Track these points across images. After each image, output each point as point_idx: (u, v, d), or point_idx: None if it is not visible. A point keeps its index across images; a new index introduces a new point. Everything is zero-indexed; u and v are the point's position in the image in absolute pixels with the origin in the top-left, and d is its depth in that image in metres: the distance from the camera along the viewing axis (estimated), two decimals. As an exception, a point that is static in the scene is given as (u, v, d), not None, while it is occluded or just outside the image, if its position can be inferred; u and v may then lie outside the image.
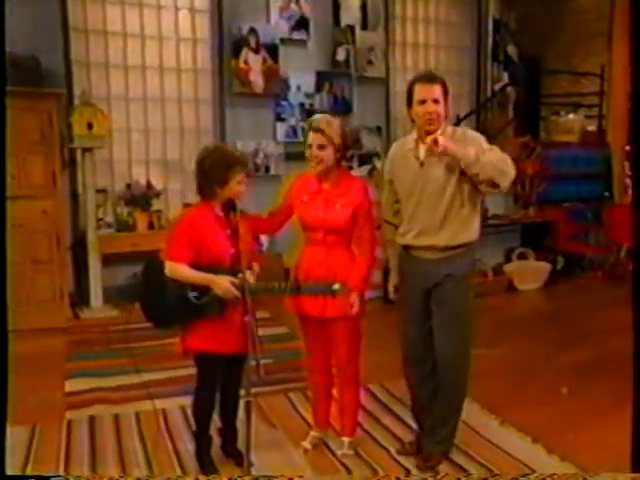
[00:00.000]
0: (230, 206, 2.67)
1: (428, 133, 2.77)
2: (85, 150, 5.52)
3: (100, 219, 5.81)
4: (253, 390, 2.83)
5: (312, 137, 2.83)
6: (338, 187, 2.89)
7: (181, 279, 2.64)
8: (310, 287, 2.73)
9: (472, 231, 2.86)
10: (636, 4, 2.29)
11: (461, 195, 2.77)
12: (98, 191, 5.77)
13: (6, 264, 2.12)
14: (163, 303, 2.69)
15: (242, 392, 2.88)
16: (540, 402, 3.72)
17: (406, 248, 2.93)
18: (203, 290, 2.64)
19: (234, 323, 2.64)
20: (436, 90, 2.72)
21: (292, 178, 3.07)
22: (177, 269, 2.64)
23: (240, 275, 2.57)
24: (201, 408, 2.87)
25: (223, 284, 2.59)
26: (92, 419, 3.50)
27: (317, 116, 2.96)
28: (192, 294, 2.65)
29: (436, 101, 2.72)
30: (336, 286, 2.56)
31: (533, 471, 2.90)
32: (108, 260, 5.73)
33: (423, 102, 2.73)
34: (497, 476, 2.88)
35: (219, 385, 2.85)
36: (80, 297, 5.73)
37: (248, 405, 2.34)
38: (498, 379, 4.02)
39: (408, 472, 2.95)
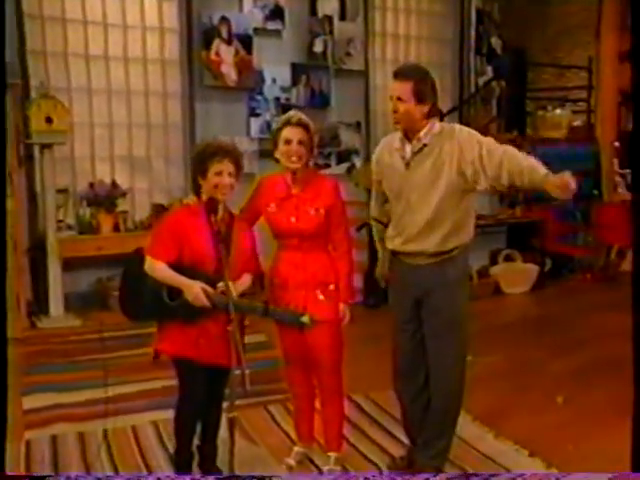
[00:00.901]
0: (211, 207, 2.62)
1: (405, 133, 2.72)
2: (44, 146, 5.41)
3: (61, 221, 5.69)
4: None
5: (292, 132, 2.78)
6: (308, 190, 2.85)
7: (157, 277, 2.63)
8: (279, 312, 2.72)
9: (465, 234, 2.80)
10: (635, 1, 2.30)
11: (452, 197, 2.71)
12: (58, 191, 5.65)
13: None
14: (139, 297, 2.69)
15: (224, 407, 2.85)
16: (535, 412, 3.71)
17: (395, 252, 2.88)
18: (177, 292, 2.61)
19: (214, 332, 2.61)
20: (401, 87, 2.65)
21: (257, 180, 3.01)
22: (155, 266, 2.63)
23: (220, 284, 2.55)
24: (183, 422, 2.80)
25: (193, 290, 2.56)
26: (54, 439, 3.39)
27: (294, 112, 2.90)
28: (166, 294, 2.63)
29: (400, 99, 2.65)
30: (305, 318, 2.54)
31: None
32: (69, 265, 5.62)
33: (391, 99, 2.70)
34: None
35: (202, 398, 2.78)
36: (38, 305, 5.60)
37: (232, 422, 2.27)
38: (489, 388, 4.00)
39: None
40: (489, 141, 2.67)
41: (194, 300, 2.56)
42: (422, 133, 2.70)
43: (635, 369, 2.23)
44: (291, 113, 2.88)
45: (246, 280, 2.78)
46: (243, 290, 2.73)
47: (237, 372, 2.27)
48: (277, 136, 2.82)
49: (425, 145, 2.71)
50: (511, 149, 2.63)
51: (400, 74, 2.69)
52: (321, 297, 2.84)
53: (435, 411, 2.89)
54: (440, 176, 2.68)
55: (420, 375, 2.91)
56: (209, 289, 2.56)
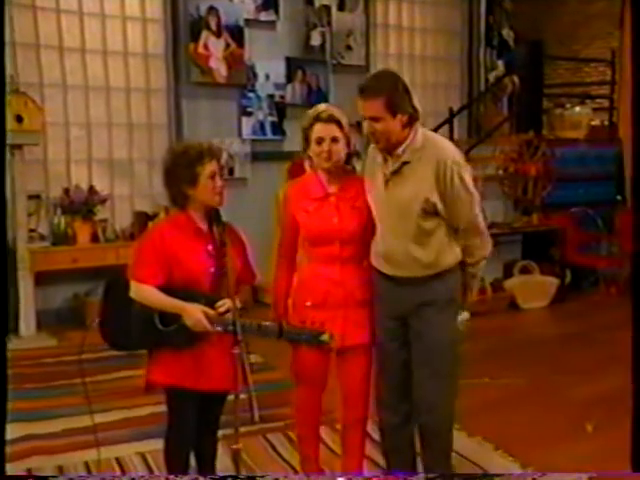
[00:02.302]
0: (214, 217, 2.59)
1: (388, 151, 2.66)
2: (14, 147, 5.38)
3: (32, 230, 5.69)
4: (224, 432, 2.80)
5: (324, 129, 2.74)
6: (347, 188, 2.82)
7: (148, 304, 2.56)
8: (295, 332, 2.66)
9: (453, 254, 2.74)
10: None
11: (434, 219, 2.66)
12: (30, 197, 5.66)
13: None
14: (125, 326, 2.62)
15: (221, 435, 2.85)
16: (562, 441, 3.67)
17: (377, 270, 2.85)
18: (172, 317, 2.55)
19: (214, 357, 2.58)
20: (372, 106, 2.57)
21: (283, 190, 2.96)
22: (143, 291, 2.56)
23: (220, 303, 2.52)
24: (174, 454, 2.75)
25: (194, 314, 2.51)
26: (30, 473, 3.32)
27: (323, 106, 2.85)
28: (159, 319, 2.57)
29: (374, 119, 2.58)
30: (325, 336, 2.52)
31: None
32: (42, 279, 5.61)
33: (363, 119, 2.63)
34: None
35: (194, 426, 2.74)
36: (7, 324, 5.54)
37: (236, 454, 2.23)
38: (509, 414, 3.98)
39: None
40: (464, 193, 2.65)
41: (195, 325, 2.51)
42: (400, 149, 2.63)
43: (634, 369, 2.31)
44: (320, 108, 2.83)
45: (243, 295, 2.75)
46: (242, 305, 2.69)
47: (242, 396, 2.23)
48: (307, 134, 2.78)
49: (405, 163, 2.64)
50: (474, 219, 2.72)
51: (367, 91, 2.59)
52: (359, 317, 2.82)
53: (426, 446, 2.85)
54: (420, 198, 2.63)
55: (404, 404, 2.87)
56: (210, 311, 2.52)
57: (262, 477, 2.89)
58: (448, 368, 2.77)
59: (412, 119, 2.64)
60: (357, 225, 2.79)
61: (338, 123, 2.76)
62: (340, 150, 2.77)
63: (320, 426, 3.09)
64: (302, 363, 2.93)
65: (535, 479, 2.88)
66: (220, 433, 2.86)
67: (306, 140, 2.80)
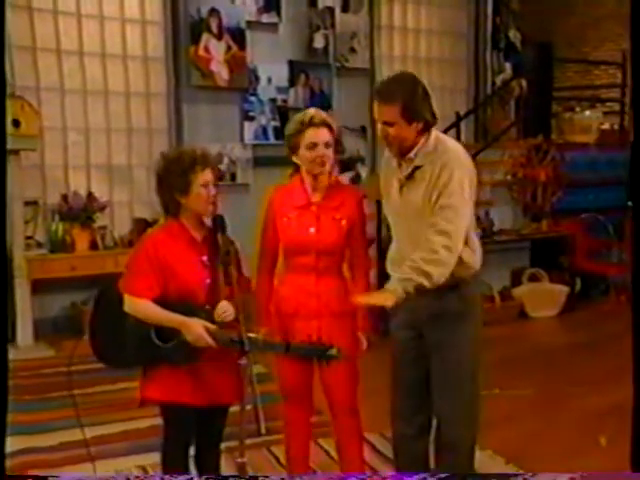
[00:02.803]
0: (219, 225, 2.59)
1: (401, 155, 2.68)
2: (10, 152, 5.35)
3: (29, 237, 5.69)
4: (228, 445, 2.82)
5: (317, 134, 2.75)
6: (331, 198, 2.83)
7: (144, 318, 2.54)
8: (302, 348, 2.66)
9: (470, 265, 2.72)
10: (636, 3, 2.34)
11: None
12: (27, 203, 5.66)
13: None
14: (119, 342, 2.60)
15: (224, 448, 2.86)
16: (576, 454, 3.66)
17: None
18: (170, 332, 2.53)
19: (210, 370, 2.58)
20: (387, 111, 2.57)
21: (269, 193, 2.97)
22: (139, 306, 2.54)
23: (220, 310, 2.54)
24: (170, 467, 2.73)
25: (195, 330, 2.50)
26: (29, 487, 3.33)
27: (313, 110, 2.85)
28: (156, 335, 2.55)
29: (388, 123, 2.58)
30: (333, 351, 2.53)
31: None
32: (40, 287, 5.61)
33: (377, 122, 2.65)
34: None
35: (192, 440, 2.75)
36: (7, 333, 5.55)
37: (241, 468, 2.23)
38: (519, 426, 3.98)
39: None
40: (460, 199, 2.57)
41: (196, 341, 2.49)
42: (412, 153, 2.63)
43: (635, 369, 2.34)
44: (311, 112, 2.82)
45: (243, 302, 2.75)
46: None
47: (248, 407, 2.24)
48: (297, 139, 2.78)
49: (417, 167, 2.64)
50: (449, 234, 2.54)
51: (383, 95, 2.59)
52: (335, 328, 2.81)
53: (444, 462, 2.84)
54: (430, 204, 2.61)
55: (419, 416, 2.86)
56: (211, 326, 2.51)
57: (265, 477, 2.89)
58: (467, 380, 2.76)
59: (428, 125, 2.64)
60: (335, 238, 2.79)
61: (329, 127, 2.78)
62: (330, 156, 2.78)
63: (310, 441, 3.12)
64: (286, 377, 2.95)
65: (526, 479, 2.88)
66: (223, 445, 2.86)
67: (292, 147, 2.80)
